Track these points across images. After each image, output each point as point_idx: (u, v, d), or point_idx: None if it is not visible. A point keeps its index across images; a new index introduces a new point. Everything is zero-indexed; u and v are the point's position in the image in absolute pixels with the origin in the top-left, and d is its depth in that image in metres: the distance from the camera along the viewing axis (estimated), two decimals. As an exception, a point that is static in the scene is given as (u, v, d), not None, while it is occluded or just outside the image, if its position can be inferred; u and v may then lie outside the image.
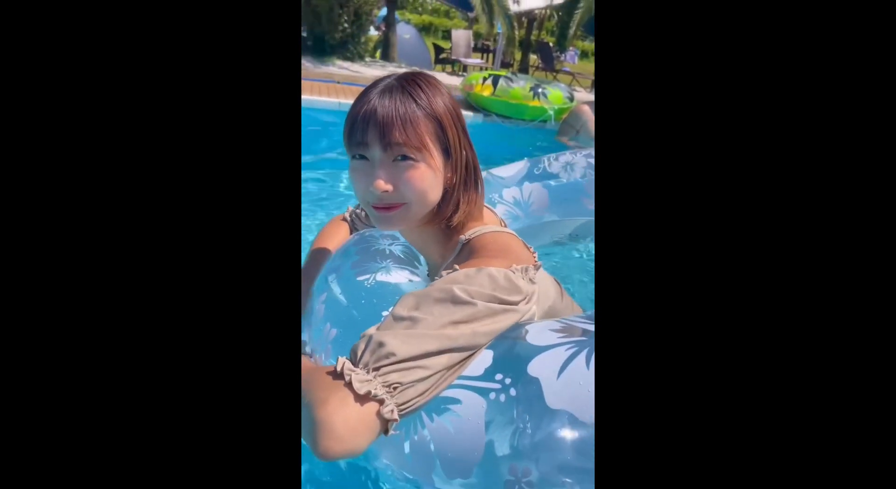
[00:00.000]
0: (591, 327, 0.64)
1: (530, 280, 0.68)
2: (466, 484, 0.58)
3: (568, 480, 0.56)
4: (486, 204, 0.84)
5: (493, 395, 0.58)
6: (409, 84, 0.68)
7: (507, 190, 1.27)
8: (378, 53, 10.04)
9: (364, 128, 0.66)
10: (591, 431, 0.55)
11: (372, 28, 9.64)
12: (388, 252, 0.80)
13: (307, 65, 7.89)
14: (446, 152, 0.70)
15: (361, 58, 9.08)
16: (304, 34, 9.23)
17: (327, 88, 5.21)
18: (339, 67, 8.11)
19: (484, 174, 1.29)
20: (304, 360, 0.69)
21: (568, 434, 0.56)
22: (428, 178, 0.68)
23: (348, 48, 8.83)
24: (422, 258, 0.87)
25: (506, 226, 0.87)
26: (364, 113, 0.66)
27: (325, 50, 8.76)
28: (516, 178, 1.29)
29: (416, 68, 0.96)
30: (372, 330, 0.58)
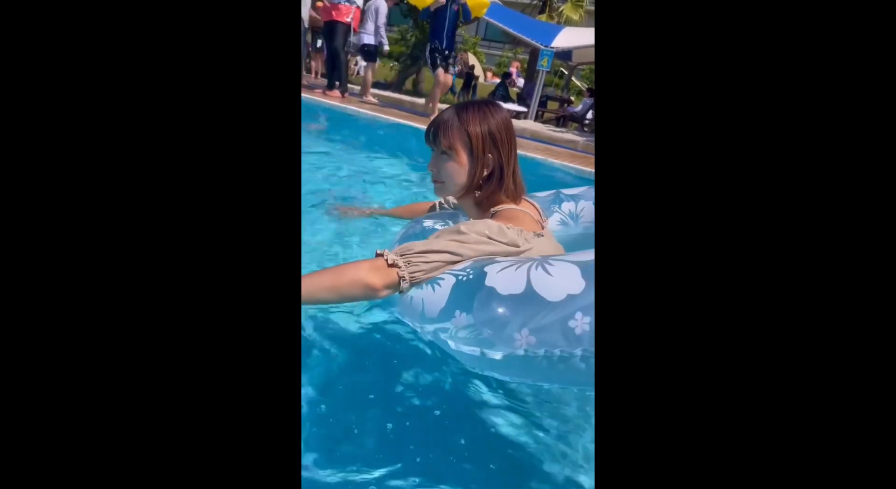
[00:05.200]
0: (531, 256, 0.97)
1: (525, 240, 1.05)
2: (434, 320, 0.96)
3: (489, 331, 0.89)
4: (530, 199, 1.23)
5: (461, 277, 0.96)
6: (467, 107, 1.13)
7: (566, 203, 1.61)
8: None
9: (429, 128, 1.16)
10: (501, 302, 0.88)
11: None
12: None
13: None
14: (471, 154, 1.12)
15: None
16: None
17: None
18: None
19: (552, 192, 1.64)
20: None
21: (487, 302, 0.90)
22: (454, 169, 1.13)
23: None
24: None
25: (543, 217, 1.23)
26: (436, 120, 1.15)
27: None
28: (578, 197, 1.63)
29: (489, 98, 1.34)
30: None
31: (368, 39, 5.82)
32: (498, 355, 0.89)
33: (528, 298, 0.87)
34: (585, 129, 10.32)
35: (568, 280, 0.86)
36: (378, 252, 1.00)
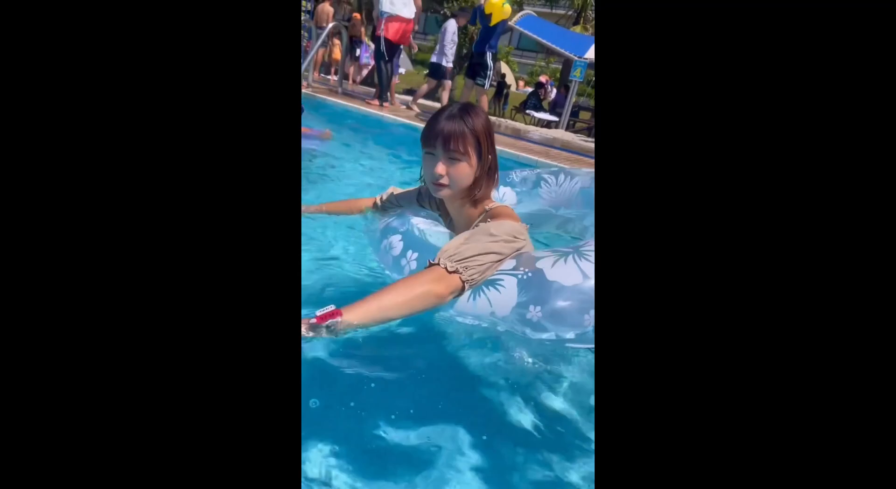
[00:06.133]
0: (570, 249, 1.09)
1: (525, 236, 1.18)
2: (508, 317, 1.06)
3: (563, 318, 1.02)
4: None
5: (521, 276, 1.07)
6: (463, 112, 1.20)
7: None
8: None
9: (435, 137, 1.19)
10: (571, 293, 1.01)
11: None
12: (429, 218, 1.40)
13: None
14: (479, 156, 1.21)
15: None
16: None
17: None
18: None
19: None
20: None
21: (558, 294, 1.03)
22: (465, 171, 1.20)
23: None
24: (442, 222, 1.42)
25: None
26: (437, 128, 1.18)
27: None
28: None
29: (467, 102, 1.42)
30: (444, 248, 1.09)
31: (435, 58, 6.02)
32: (571, 334, 1.04)
33: (589, 286, 1.02)
34: (617, 139, 10.12)
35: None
36: (431, 262, 1.06)
